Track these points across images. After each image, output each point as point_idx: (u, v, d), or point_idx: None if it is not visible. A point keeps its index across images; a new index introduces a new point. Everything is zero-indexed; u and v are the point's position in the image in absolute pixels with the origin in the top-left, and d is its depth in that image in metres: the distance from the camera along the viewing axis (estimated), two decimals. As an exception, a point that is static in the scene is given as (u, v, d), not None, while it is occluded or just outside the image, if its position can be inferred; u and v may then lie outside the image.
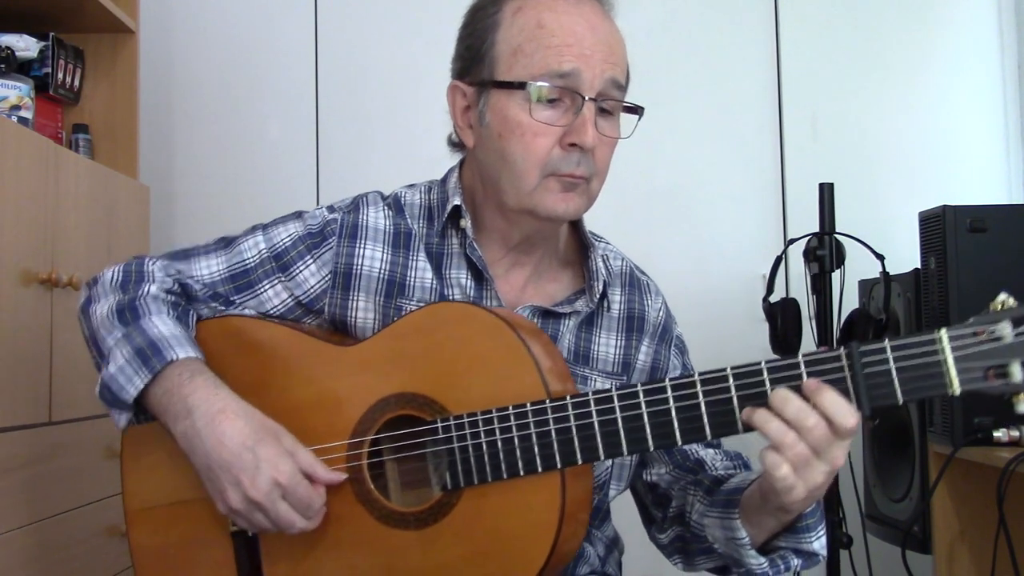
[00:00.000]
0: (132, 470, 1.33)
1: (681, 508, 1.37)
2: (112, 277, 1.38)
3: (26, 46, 2.29)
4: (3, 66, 2.18)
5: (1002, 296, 1.06)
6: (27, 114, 2.19)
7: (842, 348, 1.08)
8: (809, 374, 1.09)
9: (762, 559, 1.22)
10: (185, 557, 1.30)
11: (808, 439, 1.07)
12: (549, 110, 1.27)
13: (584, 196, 1.31)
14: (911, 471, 2.30)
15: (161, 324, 1.29)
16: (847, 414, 1.06)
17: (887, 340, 1.06)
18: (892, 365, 1.06)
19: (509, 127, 1.28)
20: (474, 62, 1.32)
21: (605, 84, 1.28)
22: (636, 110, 1.32)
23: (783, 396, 1.08)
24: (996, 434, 2.03)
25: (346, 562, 1.24)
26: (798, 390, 1.08)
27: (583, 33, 1.27)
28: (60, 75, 2.38)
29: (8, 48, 2.22)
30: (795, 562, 1.24)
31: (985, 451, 2.03)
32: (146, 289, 1.33)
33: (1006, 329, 1.04)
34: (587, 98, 1.26)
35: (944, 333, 1.05)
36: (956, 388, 1.05)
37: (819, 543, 1.22)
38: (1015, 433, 2.02)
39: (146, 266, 1.38)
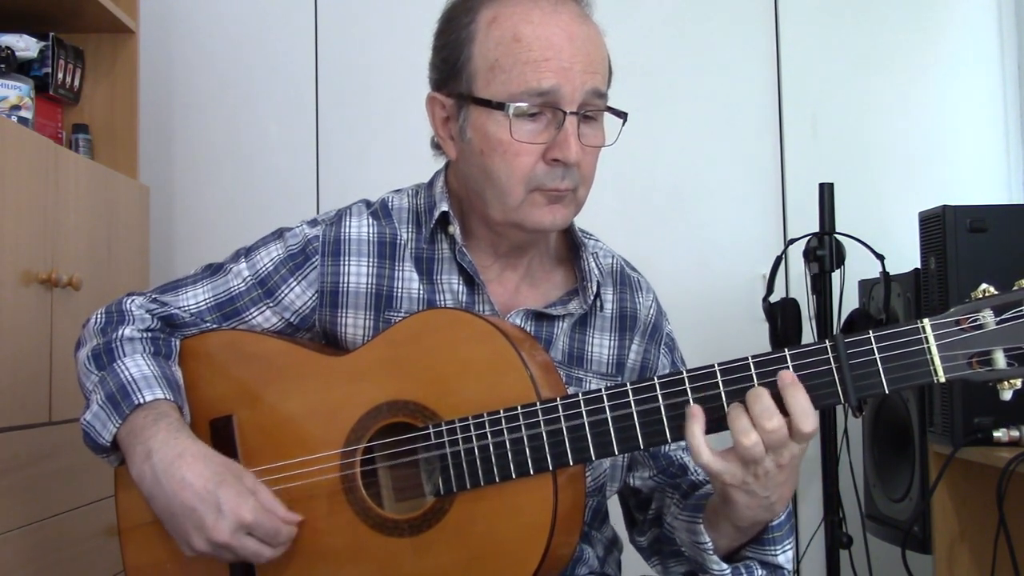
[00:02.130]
0: (125, 488, 1.32)
1: (659, 511, 1.38)
2: (95, 321, 1.39)
3: (26, 46, 2.29)
4: (3, 66, 2.18)
5: (983, 285, 1.08)
6: (27, 114, 2.20)
7: (827, 340, 1.09)
8: (795, 367, 1.10)
9: (724, 566, 1.22)
10: (179, 574, 1.30)
11: (766, 440, 1.09)
12: (530, 124, 1.25)
13: (571, 205, 1.30)
14: (911, 471, 2.30)
15: (133, 366, 1.29)
16: (808, 419, 1.08)
17: (871, 331, 1.08)
18: (877, 355, 1.07)
19: (491, 145, 1.26)
20: (451, 75, 1.30)
21: (586, 95, 1.25)
22: (620, 114, 1.30)
23: (756, 393, 1.09)
24: (996, 434, 2.03)
25: (341, 571, 1.23)
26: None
27: (561, 45, 1.24)
28: (60, 75, 2.39)
29: (8, 48, 2.22)
30: (759, 573, 1.24)
31: (985, 451, 2.03)
32: (122, 331, 1.34)
33: (988, 317, 1.06)
34: (568, 112, 1.24)
35: (927, 322, 1.07)
36: (941, 376, 1.07)
37: (784, 557, 1.23)
38: (1015, 433, 2.02)
39: (125, 306, 1.39)
